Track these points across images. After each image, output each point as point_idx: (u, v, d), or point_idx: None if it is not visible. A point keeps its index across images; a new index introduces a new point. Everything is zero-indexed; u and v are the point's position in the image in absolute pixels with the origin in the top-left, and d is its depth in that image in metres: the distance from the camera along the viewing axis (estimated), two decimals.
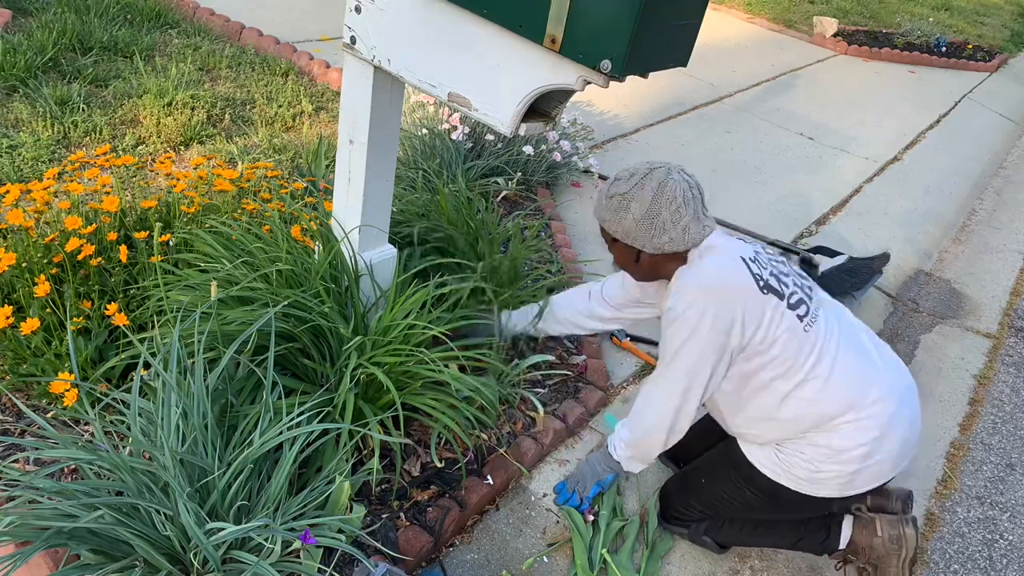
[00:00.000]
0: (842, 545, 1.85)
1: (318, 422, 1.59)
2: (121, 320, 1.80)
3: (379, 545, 1.67)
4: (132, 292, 2.01)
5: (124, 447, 1.63)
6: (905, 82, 7.05)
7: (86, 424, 1.79)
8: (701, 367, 1.58)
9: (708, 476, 1.86)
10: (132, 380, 1.55)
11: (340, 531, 1.54)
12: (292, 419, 1.52)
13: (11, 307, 1.78)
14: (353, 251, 1.98)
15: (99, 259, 1.96)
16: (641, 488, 2.10)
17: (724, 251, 1.62)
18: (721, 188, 4.05)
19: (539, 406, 2.16)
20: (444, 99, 1.58)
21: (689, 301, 1.56)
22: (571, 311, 2.17)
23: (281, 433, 1.51)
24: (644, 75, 1.38)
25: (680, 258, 1.65)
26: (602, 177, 3.79)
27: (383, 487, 1.86)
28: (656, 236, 1.59)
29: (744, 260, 1.60)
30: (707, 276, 1.58)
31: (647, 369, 2.57)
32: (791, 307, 1.60)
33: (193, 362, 1.56)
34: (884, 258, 3.15)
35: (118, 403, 1.68)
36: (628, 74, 1.30)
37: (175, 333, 1.56)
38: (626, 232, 1.62)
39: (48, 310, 1.88)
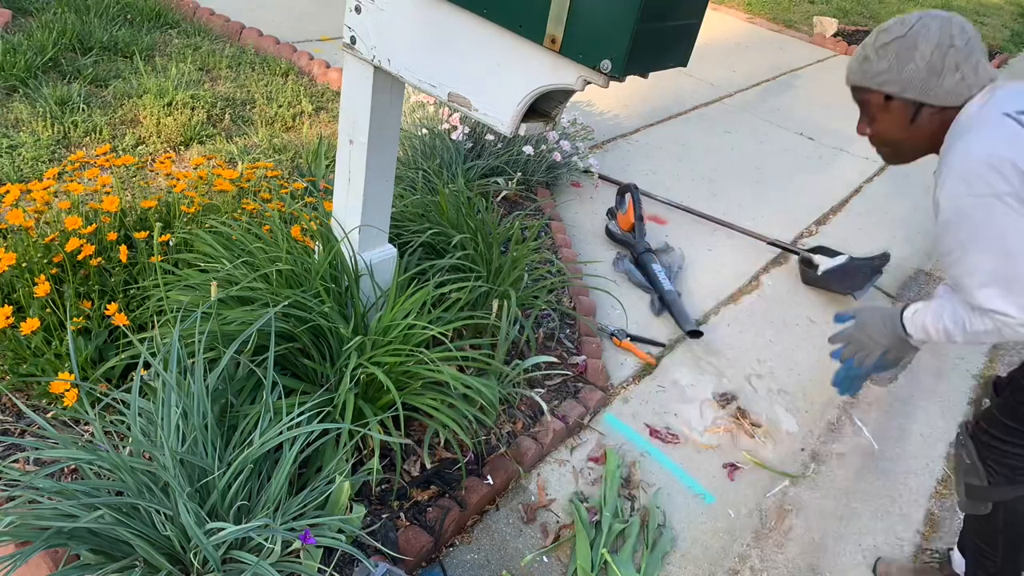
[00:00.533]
0: None
1: (318, 422, 1.59)
2: (121, 320, 1.80)
3: (379, 545, 1.67)
4: (132, 292, 2.01)
5: (124, 447, 1.63)
6: None
7: (86, 424, 1.79)
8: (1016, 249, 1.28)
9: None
10: (132, 380, 1.55)
11: (340, 531, 1.54)
12: (292, 419, 1.52)
13: (11, 307, 1.78)
14: (353, 251, 1.98)
15: (99, 259, 1.96)
16: (642, 489, 2.10)
17: (988, 114, 1.34)
18: (721, 188, 4.05)
19: (543, 405, 2.16)
20: (444, 99, 1.58)
21: (969, 186, 1.28)
22: None
23: (281, 433, 1.51)
24: (644, 75, 1.38)
25: (949, 120, 1.41)
26: (602, 177, 3.79)
27: (383, 487, 1.86)
28: (948, 76, 1.36)
29: (1010, 116, 1.31)
30: (982, 148, 1.29)
31: (647, 369, 2.57)
32: None
33: (193, 362, 1.56)
34: (884, 258, 3.15)
35: (118, 403, 1.68)
36: (628, 74, 1.30)
37: (175, 333, 1.56)
38: (908, 81, 1.39)
39: (48, 310, 1.88)
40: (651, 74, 1.39)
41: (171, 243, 2.08)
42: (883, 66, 1.43)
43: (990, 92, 1.39)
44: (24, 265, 1.92)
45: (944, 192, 1.33)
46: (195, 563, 1.38)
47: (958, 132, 1.38)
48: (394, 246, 2.13)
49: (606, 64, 1.29)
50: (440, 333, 1.84)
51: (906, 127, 1.45)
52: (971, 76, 1.36)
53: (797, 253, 3.37)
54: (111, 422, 1.68)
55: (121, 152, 3.03)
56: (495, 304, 2.15)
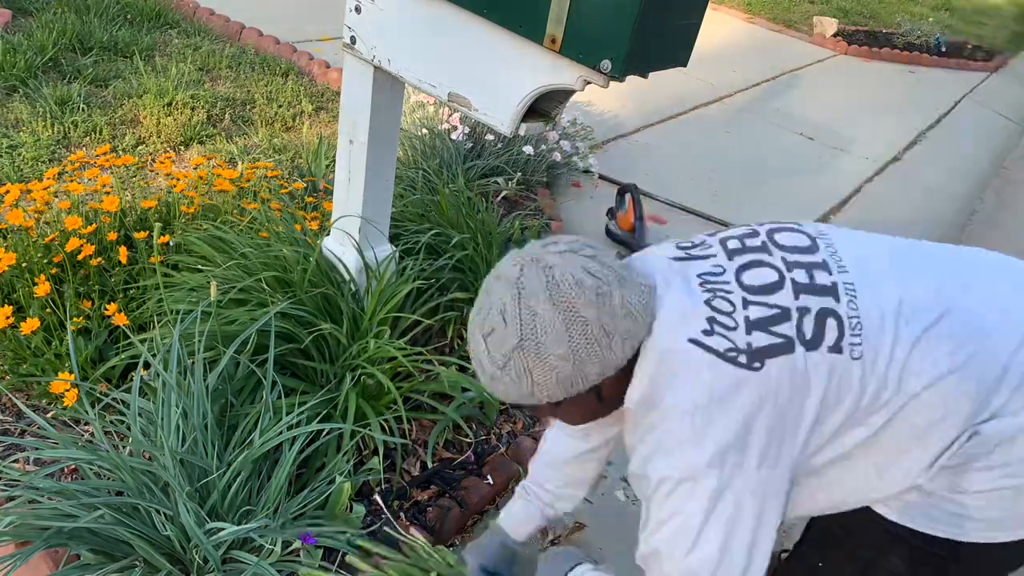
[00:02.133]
0: None
1: (318, 422, 1.59)
2: (121, 320, 1.80)
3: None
4: (132, 292, 2.01)
5: (124, 447, 1.63)
6: (905, 82, 7.05)
7: (86, 424, 1.79)
8: (764, 519, 1.00)
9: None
10: (132, 380, 1.55)
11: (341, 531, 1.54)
12: (292, 419, 1.52)
13: (11, 307, 1.78)
14: (355, 250, 1.98)
15: (99, 259, 1.96)
16: None
17: (674, 350, 1.00)
18: (721, 188, 4.05)
19: None
20: (444, 99, 1.58)
21: (680, 463, 0.99)
22: (559, 468, 1.52)
23: (281, 433, 1.51)
24: (644, 75, 1.38)
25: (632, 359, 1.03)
26: (602, 177, 3.79)
27: (383, 487, 1.86)
28: (603, 349, 0.98)
29: (698, 344, 0.99)
30: (679, 409, 0.99)
31: None
32: (808, 345, 1.00)
33: (193, 362, 1.56)
34: None
35: (118, 403, 1.68)
36: (628, 74, 1.30)
37: (175, 333, 1.56)
38: (569, 380, 0.99)
39: (48, 310, 1.88)
40: (651, 74, 1.39)
41: (171, 244, 2.08)
42: (527, 385, 1.00)
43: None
44: (24, 265, 1.92)
45: None
46: (195, 563, 1.38)
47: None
48: (395, 246, 2.13)
49: (606, 64, 1.29)
50: (421, 318, 1.83)
51: (595, 404, 1.08)
52: (630, 326, 0.99)
53: None
54: (111, 422, 1.68)
55: (121, 152, 3.03)
56: None
